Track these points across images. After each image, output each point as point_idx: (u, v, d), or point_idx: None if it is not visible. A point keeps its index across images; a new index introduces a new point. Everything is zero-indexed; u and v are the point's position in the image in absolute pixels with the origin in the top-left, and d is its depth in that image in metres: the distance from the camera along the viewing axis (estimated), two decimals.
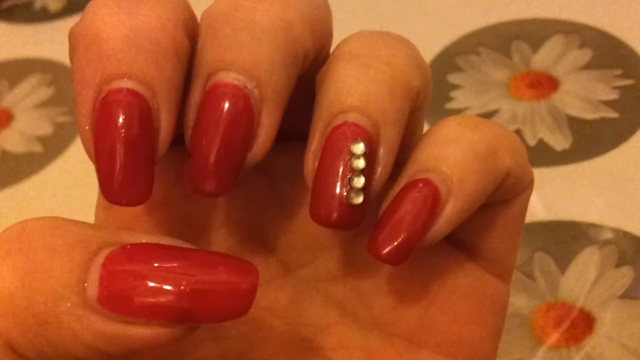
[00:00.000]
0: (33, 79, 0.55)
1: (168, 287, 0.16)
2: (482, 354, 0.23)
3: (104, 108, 0.18)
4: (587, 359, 0.34)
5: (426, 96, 0.21)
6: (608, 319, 0.35)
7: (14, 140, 0.51)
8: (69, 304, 0.16)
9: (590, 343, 0.34)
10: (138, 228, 0.22)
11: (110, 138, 0.18)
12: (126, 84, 0.18)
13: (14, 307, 0.16)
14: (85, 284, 0.16)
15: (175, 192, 0.22)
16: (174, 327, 0.16)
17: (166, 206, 0.22)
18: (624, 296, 0.36)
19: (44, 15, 0.61)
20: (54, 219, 0.17)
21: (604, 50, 0.49)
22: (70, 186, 0.47)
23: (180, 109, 0.19)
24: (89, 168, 0.52)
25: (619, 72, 0.47)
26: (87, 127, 0.18)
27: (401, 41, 0.21)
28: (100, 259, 0.16)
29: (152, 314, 0.16)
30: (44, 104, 0.53)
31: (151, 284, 0.16)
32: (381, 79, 0.20)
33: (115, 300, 0.16)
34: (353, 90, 0.19)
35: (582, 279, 0.37)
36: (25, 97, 0.54)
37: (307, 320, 0.23)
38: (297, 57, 0.19)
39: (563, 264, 0.38)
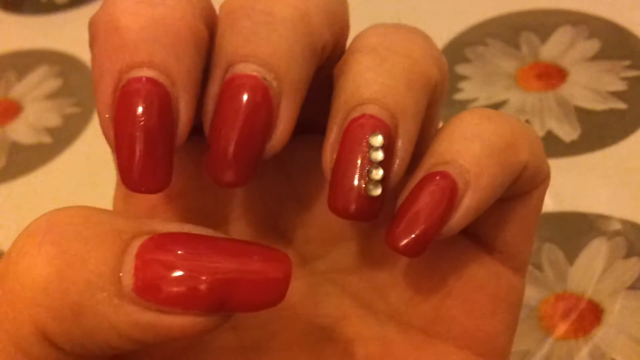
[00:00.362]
0: (41, 71, 0.55)
1: (203, 276, 0.16)
2: (498, 346, 0.23)
3: (124, 96, 0.18)
4: (596, 349, 0.34)
5: (443, 89, 0.21)
6: (616, 310, 0.35)
7: (23, 131, 0.51)
8: (104, 294, 0.16)
9: (599, 334, 0.35)
10: (156, 219, 0.22)
11: (130, 126, 0.18)
12: (146, 72, 0.18)
13: (50, 297, 0.16)
14: (120, 274, 0.16)
15: (193, 184, 0.22)
16: (209, 317, 0.16)
17: (184, 198, 0.22)
18: (633, 287, 0.36)
19: (52, 7, 0.61)
20: (85, 208, 0.17)
21: (613, 41, 0.49)
22: (79, 177, 0.47)
23: (199, 100, 0.19)
24: (98, 159, 0.52)
25: (627, 63, 0.47)
26: (107, 115, 0.18)
27: (418, 34, 0.21)
28: (134, 248, 0.16)
29: (187, 303, 0.16)
30: (52, 95, 0.53)
31: (186, 273, 0.16)
32: (399, 71, 0.20)
33: (151, 289, 0.16)
34: (371, 82, 0.19)
35: (591, 270, 0.37)
36: (34, 88, 0.54)
37: (323, 311, 0.23)
38: (315, 49, 0.19)
39: (571, 255, 0.38)
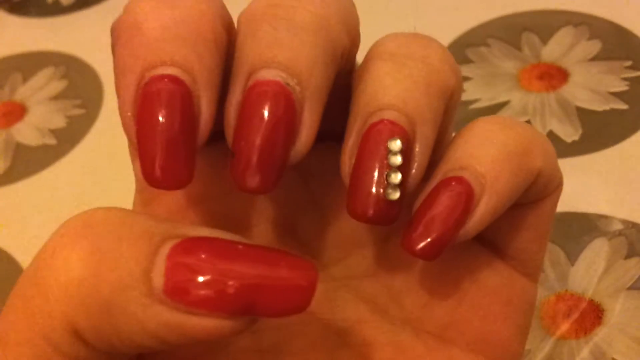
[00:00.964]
0: (46, 72, 0.56)
1: (230, 281, 0.16)
2: (510, 351, 0.23)
3: (146, 94, 0.18)
4: (597, 349, 0.34)
5: (458, 97, 0.21)
6: (617, 310, 0.35)
7: (27, 133, 0.52)
8: (135, 293, 0.16)
9: (600, 334, 0.35)
10: (186, 223, 0.23)
11: (152, 123, 0.18)
12: (168, 70, 0.18)
13: (82, 294, 0.16)
14: (151, 274, 0.16)
15: (213, 189, 0.23)
16: (235, 320, 0.16)
17: (203, 203, 0.23)
18: (634, 287, 0.36)
19: (57, 9, 0.61)
20: (119, 209, 0.17)
21: (614, 41, 0.49)
22: (83, 178, 0.48)
23: (221, 107, 0.19)
24: (102, 160, 0.52)
25: (628, 63, 0.47)
26: (129, 114, 0.18)
27: (434, 42, 0.21)
28: (165, 250, 0.16)
29: (215, 306, 0.16)
30: (57, 97, 0.54)
31: (214, 277, 0.16)
32: (417, 78, 0.20)
33: (180, 291, 0.16)
34: (390, 88, 0.20)
35: (592, 270, 0.37)
36: (39, 90, 0.54)
37: (339, 315, 0.23)
38: (335, 55, 0.20)
39: (573, 255, 0.38)
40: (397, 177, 0.19)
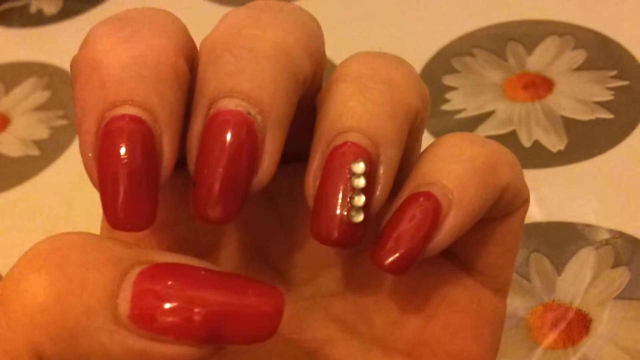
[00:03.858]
0: (29, 83, 0.55)
1: (197, 308, 0.16)
2: None
3: (106, 135, 0.18)
4: (584, 359, 0.34)
5: (424, 117, 0.21)
6: (604, 320, 0.35)
7: (10, 143, 0.51)
8: (101, 319, 0.16)
9: (587, 344, 0.35)
10: (154, 249, 0.22)
11: (113, 165, 0.18)
12: (128, 110, 0.18)
13: (47, 319, 0.16)
14: (117, 301, 0.16)
15: (178, 215, 0.22)
16: (201, 347, 0.16)
17: (169, 229, 0.23)
18: (620, 297, 0.36)
19: (40, 19, 0.61)
20: (86, 234, 0.17)
21: (598, 51, 0.49)
22: (66, 190, 0.47)
23: (183, 137, 0.19)
24: (85, 173, 0.51)
25: (613, 73, 0.48)
26: (90, 154, 0.18)
27: (400, 62, 0.21)
28: (132, 276, 0.16)
29: (181, 333, 0.16)
30: (40, 108, 0.53)
31: (181, 304, 0.16)
32: (381, 100, 0.20)
33: (146, 318, 0.16)
34: (353, 111, 0.20)
35: (579, 279, 0.37)
36: (22, 100, 0.54)
37: (308, 335, 0.23)
38: (297, 82, 0.20)
39: (559, 265, 0.38)
40: (360, 200, 0.19)
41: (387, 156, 0.20)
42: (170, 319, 0.16)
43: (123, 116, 0.18)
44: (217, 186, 0.18)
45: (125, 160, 0.18)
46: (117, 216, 0.18)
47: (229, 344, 0.17)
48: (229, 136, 0.18)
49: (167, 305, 0.16)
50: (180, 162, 0.19)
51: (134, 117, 0.18)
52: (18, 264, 0.17)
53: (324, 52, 0.21)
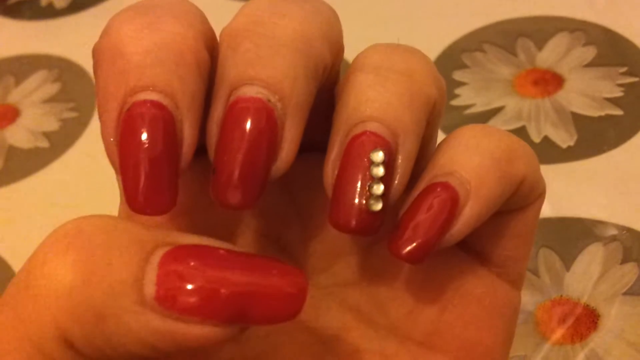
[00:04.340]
0: (39, 75, 0.55)
1: (222, 288, 0.16)
2: (495, 358, 0.23)
3: (128, 120, 0.18)
4: (592, 355, 0.34)
5: (441, 108, 0.21)
6: (613, 316, 0.35)
7: (20, 135, 0.51)
8: (127, 301, 0.16)
9: (595, 339, 0.35)
10: (176, 231, 0.23)
11: (134, 150, 0.18)
12: (150, 95, 0.18)
13: (74, 302, 0.16)
14: (143, 282, 0.16)
15: (197, 202, 0.23)
16: (226, 327, 0.16)
17: (187, 215, 0.23)
18: (629, 292, 0.36)
19: (50, 12, 0.61)
20: (110, 217, 0.17)
21: (609, 47, 0.49)
22: (76, 181, 0.47)
23: (203, 124, 0.19)
24: (95, 164, 0.52)
25: (623, 69, 0.48)
26: (111, 139, 0.18)
27: (418, 54, 0.21)
28: (157, 258, 0.16)
29: (206, 313, 0.16)
30: (50, 100, 0.53)
31: (206, 285, 0.16)
32: (400, 90, 0.20)
33: (172, 299, 0.16)
34: (372, 100, 0.20)
35: (587, 275, 0.37)
36: (32, 93, 0.54)
37: (324, 324, 0.23)
38: (317, 70, 0.20)
39: (568, 261, 0.38)
40: (379, 189, 0.19)
41: (405, 146, 0.20)
42: (195, 299, 0.16)
43: (145, 101, 0.18)
44: (236, 172, 0.18)
45: (147, 146, 0.18)
46: (137, 200, 0.18)
47: (254, 324, 0.17)
48: (249, 123, 0.19)
49: (192, 286, 0.16)
50: (200, 149, 0.19)
51: (156, 103, 0.18)
52: (42, 247, 0.17)
53: (342, 42, 0.21)
